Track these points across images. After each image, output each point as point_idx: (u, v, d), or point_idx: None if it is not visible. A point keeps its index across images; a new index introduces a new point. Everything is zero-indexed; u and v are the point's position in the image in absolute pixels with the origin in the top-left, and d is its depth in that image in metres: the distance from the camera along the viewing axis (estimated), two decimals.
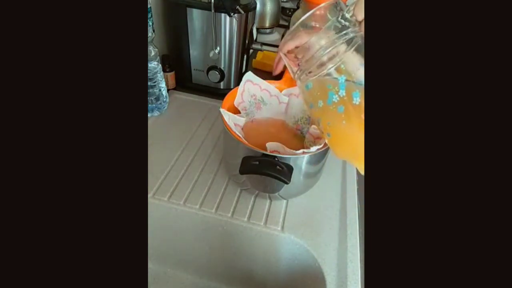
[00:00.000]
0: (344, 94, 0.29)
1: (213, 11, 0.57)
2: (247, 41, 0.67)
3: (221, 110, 0.41)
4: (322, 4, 0.31)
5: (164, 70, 0.65)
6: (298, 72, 0.33)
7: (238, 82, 0.68)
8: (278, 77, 0.50)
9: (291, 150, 0.37)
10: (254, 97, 0.49)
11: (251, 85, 0.48)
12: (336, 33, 0.30)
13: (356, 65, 0.30)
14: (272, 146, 0.38)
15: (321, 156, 0.42)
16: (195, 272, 0.57)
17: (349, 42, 0.30)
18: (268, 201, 0.48)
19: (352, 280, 0.40)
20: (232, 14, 0.58)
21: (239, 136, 0.39)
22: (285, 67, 0.47)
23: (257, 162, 0.37)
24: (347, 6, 0.31)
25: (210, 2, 0.56)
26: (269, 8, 0.89)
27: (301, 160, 0.39)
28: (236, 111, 0.47)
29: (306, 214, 0.47)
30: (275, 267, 0.50)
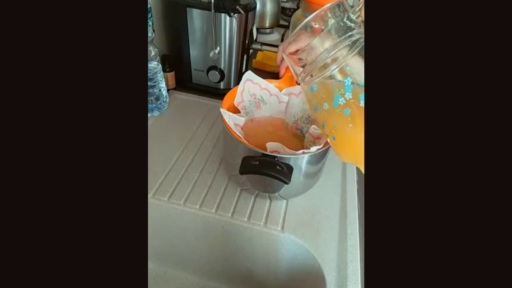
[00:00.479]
0: (350, 96, 0.29)
1: (213, 11, 0.57)
2: (247, 41, 0.67)
3: (221, 110, 0.41)
4: (327, 5, 0.31)
5: (164, 70, 0.65)
6: (302, 74, 0.33)
7: (238, 82, 0.68)
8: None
9: (291, 151, 0.37)
10: (254, 97, 0.49)
11: (251, 84, 0.48)
12: (340, 34, 0.29)
13: (362, 67, 0.29)
14: (272, 146, 0.38)
15: (321, 156, 0.42)
16: (195, 272, 0.57)
17: (354, 44, 0.29)
18: (268, 201, 0.48)
19: (352, 280, 0.40)
20: (232, 14, 0.58)
21: (239, 136, 0.39)
22: (288, 68, 0.46)
23: (257, 162, 0.37)
24: (352, 7, 0.31)
25: (210, 2, 0.56)
26: (269, 8, 0.89)
27: (301, 160, 0.39)
28: (236, 110, 0.47)
29: (306, 214, 0.47)
30: (275, 267, 0.50)
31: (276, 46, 0.79)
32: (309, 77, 0.32)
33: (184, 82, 0.72)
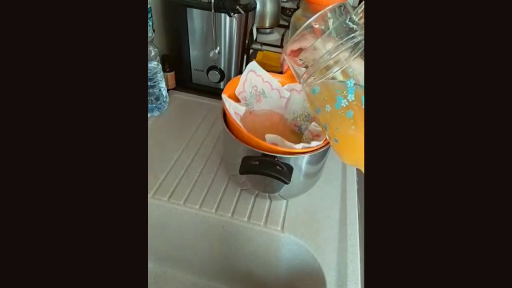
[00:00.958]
0: (353, 98, 0.29)
1: (213, 11, 0.57)
2: (247, 41, 0.67)
3: (223, 96, 0.40)
4: (329, 7, 0.31)
5: (164, 70, 0.65)
6: (304, 75, 0.33)
7: None
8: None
9: (290, 143, 0.37)
10: (255, 89, 0.48)
11: (254, 76, 0.47)
12: (343, 36, 0.29)
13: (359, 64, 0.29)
14: (271, 138, 0.38)
15: (321, 156, 0.42)
16: (195, 272, 0.57)
17: (356, 45, 0.29)
18: (268, 201, 0.48)
19: (352, 280, 0.40)
20: (232, 14, 0.58)
21: (240, 126, 0.38)
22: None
23: (257, 162, 0.37)
24: (354, 8, 0.30)
25: (210, 2, 0.56)
26: (269, 8, 0.89)
27: (301, 160, 0.39)
28: (237, 99, 0.47)
29: (306, 214, 0.47)
30: (275, 267, 0.50)
31: (276, 46, 0.79)
32: (311, 78, 0.32)
33: (184, 82, 0.72)
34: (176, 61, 0.69)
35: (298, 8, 0.73)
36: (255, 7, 0.65)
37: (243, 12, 0.59)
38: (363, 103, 0.28)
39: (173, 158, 0.54)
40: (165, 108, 0.64)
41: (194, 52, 0.66)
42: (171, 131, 0.59)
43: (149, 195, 0.47)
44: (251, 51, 0.73)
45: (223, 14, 0.58)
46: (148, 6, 0.56)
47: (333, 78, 0.30)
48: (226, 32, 0.61)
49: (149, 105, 0.60)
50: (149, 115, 0.62)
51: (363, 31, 0.29)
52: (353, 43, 0.29)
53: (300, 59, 0.33)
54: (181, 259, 0.56)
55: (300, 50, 0.34)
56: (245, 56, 0.69)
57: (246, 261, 0.51)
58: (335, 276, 0.40)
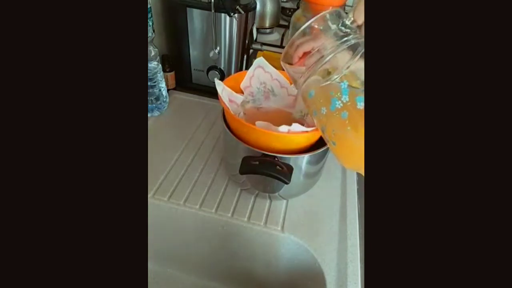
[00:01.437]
0: (347, 99, 0.29)
1: (213, 11, 0.57)
2: (247, 41, 0.67)
3: (216, 80, 0.40)
4: (322, 13, 0.31)
5: (164, 70, 0.65)
6: (301, 79, 0.33)
7: None
8: None
9: (276, 127, 0.36)
10: (264, 86, 0.48)
11: (262, 72, 0.47)
12: (337, 39, 0.30)
13: (359, 70, 0.29)
14: (260, 125, 0.38)
15: (321, 156, 0.42)
16: (195, 272, 0.57)
17: (350, 48, 0.29)
18: (268, 201, 0.48)
19: (352, 280, 0.40)
20: (232, 14, 0.58)
21: (228, 109, 0.38)
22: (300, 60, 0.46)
23: (257, 162, 0.37)
24: (346, 13, 0.31)
25: (210, 2, 0.56)
26: (269, 8, 0.89)
27: (301, 160, 0.39)
28: (241, 92, 0.47)
29: (306, 214, 0.47)
30: (275, 267, 0.50)
31: (276, 46, 0.79)
32: (308, 82, 0.32)
33: (184, 82, 0.72)
34: (176, 61, 0.69)
35: (298, 8, 0.73)
36: (255, 7, 0.65)
37: (243, 12, 0.59)
38: (357, 104, 0.28)
39: (173, 158, 0.54)
40: (165, 108, 0.64)
41: (194, 52, 0.66)
42: (171, 131, 0.59)
43: (149, 195, 0.47)
44: (251, 51, 0.73)
45: (223, 14, 0.58)
46: (148, 6, 0.56)
47: (329, 80, 0.30)
48: (226, 32, 0.61)
49: (149, 105, 0.60)
50: (149, 115, 0.62)
51: (357, 34, 0.30)
52: (347, 46, 0.29)
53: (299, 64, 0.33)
54: (181, 259, 0.56)
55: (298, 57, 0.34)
56: (245, 56, 0.69)
57: (246, 261, 0.51)
58: (335, 276, 0.40)
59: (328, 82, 0.30)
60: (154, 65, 0.56)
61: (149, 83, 0.57)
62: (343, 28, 0.30)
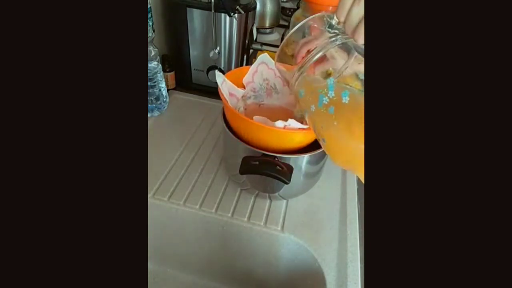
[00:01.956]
0: (333, 94, 0.30)
1: (213, 11, 0.57)
2: (247, 41, 0.67)
3: (216, 72, 0.40)
4: (312, 16, 0.32)
5: (164, 70, 0.65)
6: (295, 76, 0.33)
7: None
8: None
9: (272, 122, 0.36)
10: (267, 82, 0.48)
11: (266, 69, 0.47)
12: (326, 39, 0.31)
13: (344, 65, 0.30)
14: (258, 119, 0.38)
15: (321, 156, 0.42)
16: (195, 272, 0.57)
17: (341, 47, 0.30)
18: (268, 201, 0.48)
19: (352, 280, 0.40)
20: (232, 14, 0.58)
21: (227, 101, 0.38)
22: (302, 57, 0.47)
23: (257, 162, 0.37)
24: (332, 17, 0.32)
25: (210, 2, 0.56)
26: (269, 8, 0.89)
27: (301, 160, 0.39)
28: (243, 87, 0.47)
29: (306, 214, 0.47)
30: (275, 267, 0.50)
31: (276, 46, 0.79)
32: (299, 81, 0.33)
33: (184, 82, 0.72)
34: (176, 61, 0.69)
35: (298, 8, 0.73)
36: (255, 7, 0.65)
37: (243, 12, 0.59)
38: (343, 98, 0.29)
39: (173, 158, 0.54)
40: (165, 108, 0.64)
41: (194, 52, 0.66)
42: (171, 131, 0.59)
43: (149, 195, 0.47)
44: (251, 51, 0.73)
45: (223, 14, 0.58)
46: (148, 6, 0.56)
47: (316, 77, 0.31)
48: (226, 32, 0.61)
49: (149, 105, 0.60)
50: (149, 115, 0.62)
51: (345, 35, 0.30)
52: (335, 45, 0.30)
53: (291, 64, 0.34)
54: (181, 259, 0.56)
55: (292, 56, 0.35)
56: (245, 56, 0.69)
57: (246, 261, 0.51)
58: (335, 276, 0.40)
59: (316, 79, 0.31)
60: (154, 65, 0.56)
61: (149, 83, 0.57)
62: (329, 29, 0.31)
